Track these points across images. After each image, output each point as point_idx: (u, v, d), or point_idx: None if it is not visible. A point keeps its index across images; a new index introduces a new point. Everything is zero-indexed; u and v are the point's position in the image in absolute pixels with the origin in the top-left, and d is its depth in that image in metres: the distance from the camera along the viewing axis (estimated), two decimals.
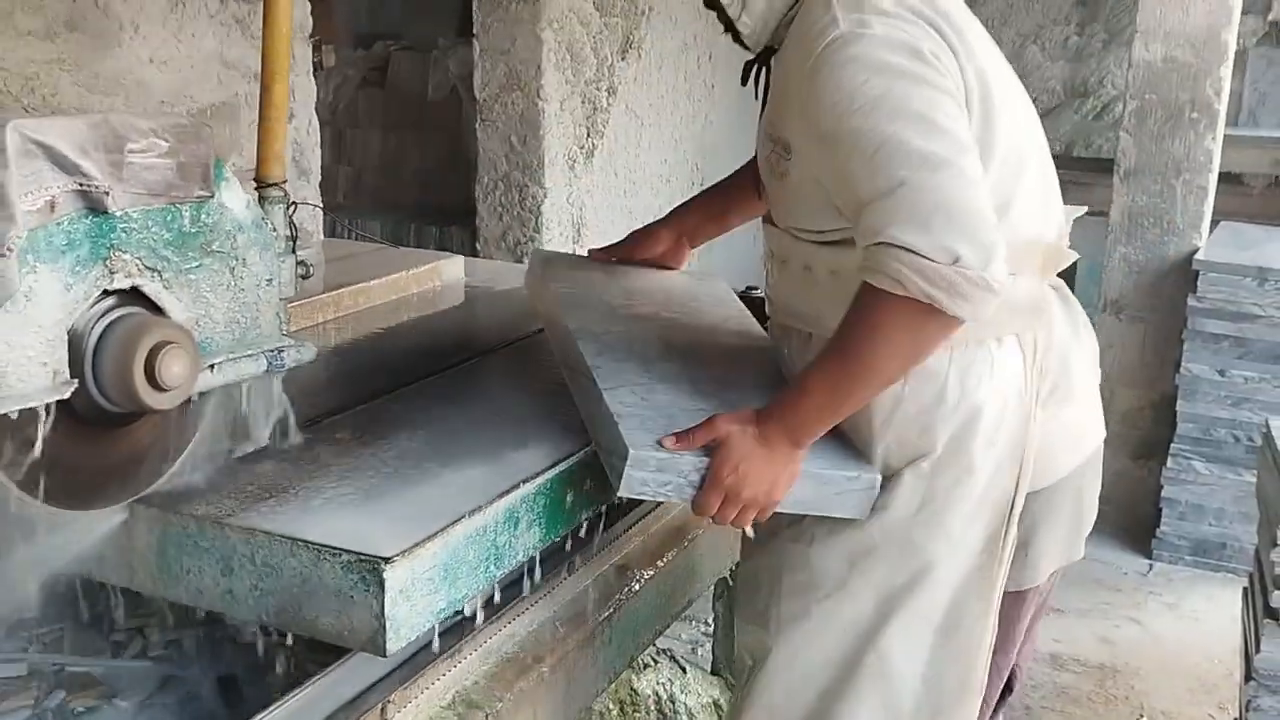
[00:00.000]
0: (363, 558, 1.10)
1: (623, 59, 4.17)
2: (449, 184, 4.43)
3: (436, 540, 1.16)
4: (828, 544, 1.44)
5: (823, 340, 1.34)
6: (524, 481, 1.30)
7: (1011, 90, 1.42)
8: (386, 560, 1.10)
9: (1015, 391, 1.41)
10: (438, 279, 2.17)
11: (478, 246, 3.97)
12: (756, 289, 2.02)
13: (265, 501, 1.22)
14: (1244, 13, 3.85)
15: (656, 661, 1.96)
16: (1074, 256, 1.49)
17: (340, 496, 1.24)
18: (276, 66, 1.30)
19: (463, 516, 1.20)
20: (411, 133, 4.62)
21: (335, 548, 1.12)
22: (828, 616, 1.44)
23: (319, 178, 3.04)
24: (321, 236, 3.09)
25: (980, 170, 1.26)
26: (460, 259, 2.24)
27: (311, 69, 3.00)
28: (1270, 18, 6.50)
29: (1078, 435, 1.51)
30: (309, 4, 2.97)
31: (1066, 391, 1.47)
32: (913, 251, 1.20)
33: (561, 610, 1.53)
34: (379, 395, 1.57)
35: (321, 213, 3.07)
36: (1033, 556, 1.50)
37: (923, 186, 1.21)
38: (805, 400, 1.33)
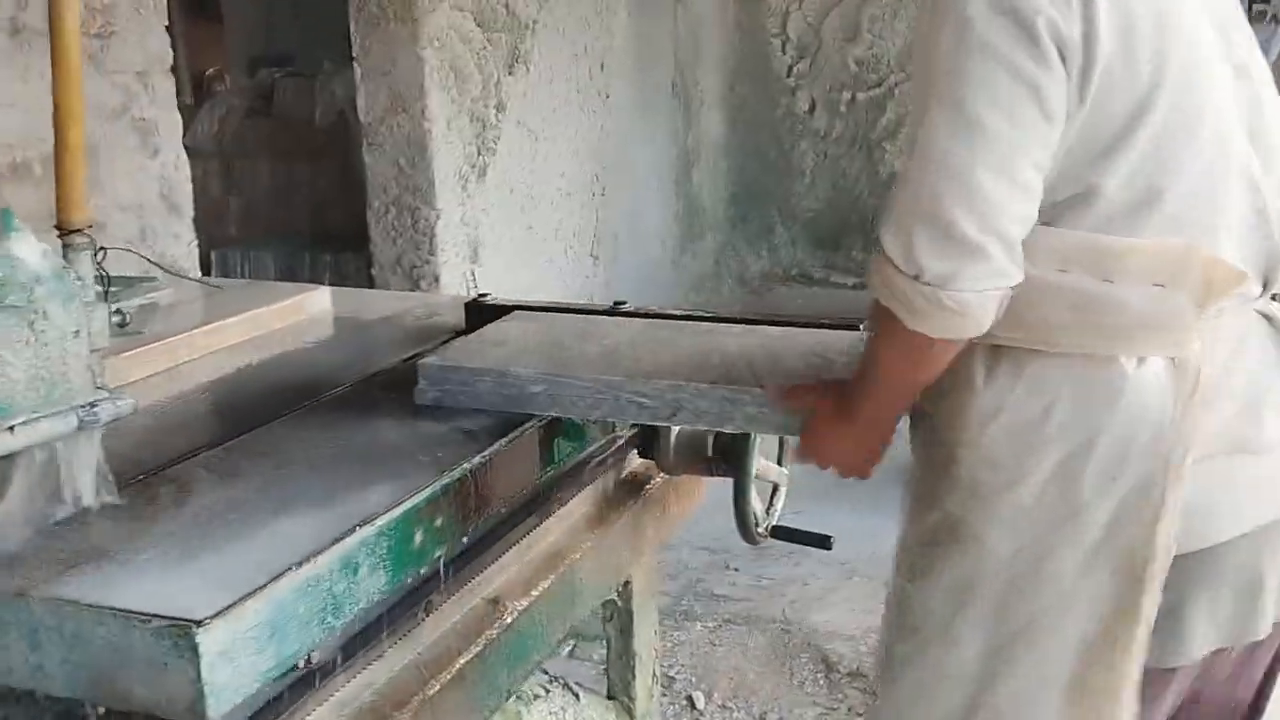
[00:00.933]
0: (174, 622, 1.04)
1: (510, 74, 4.13)
2: (341, 210, 4.36)
3: (258, 597, 1.10)
4: (928, 579, 1.32)
5: None
6: (361, 525, 1.25)
7: (1212, 71, 1.22)
8: (198, 623, 1.03)
9: (1153, 424, 1.20)
10: (302, 313, 2.10)
11: (373, 272, 3.90)
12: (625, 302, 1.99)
13: (77, 568, 1.15)
14: None
15: (548, 690, 1.92)
16: (1242, 279, 1.23)
17: (159, 557, 1.18)
18: (70, 106, 1.23)
19: (288, 569, 1.14)
20: (301, 160, 4.54)
21: (144, 614, 1.05)
22: (935, 664, 1.32)
23: (192, 213, 2.95)
24: (198, 273, 3.00)
25: (1013, 173, 1.13)
26: (327, 291, 2.18)
27: (176, 102, 2.92)
28: None
29: (1261, 493, 1.28)
30: (169, 35, 2.89)
31: (1254, 440, 1.26)
32: (889, 258, 1.17)
33: (425, 652, 1.48)
34: (219, 443, 1.50)
35: (197, 249, 2.99)
36: (1181, 629, 1.27)
37: (920, 191, 1.16)
38: (854, 382, 1.35)
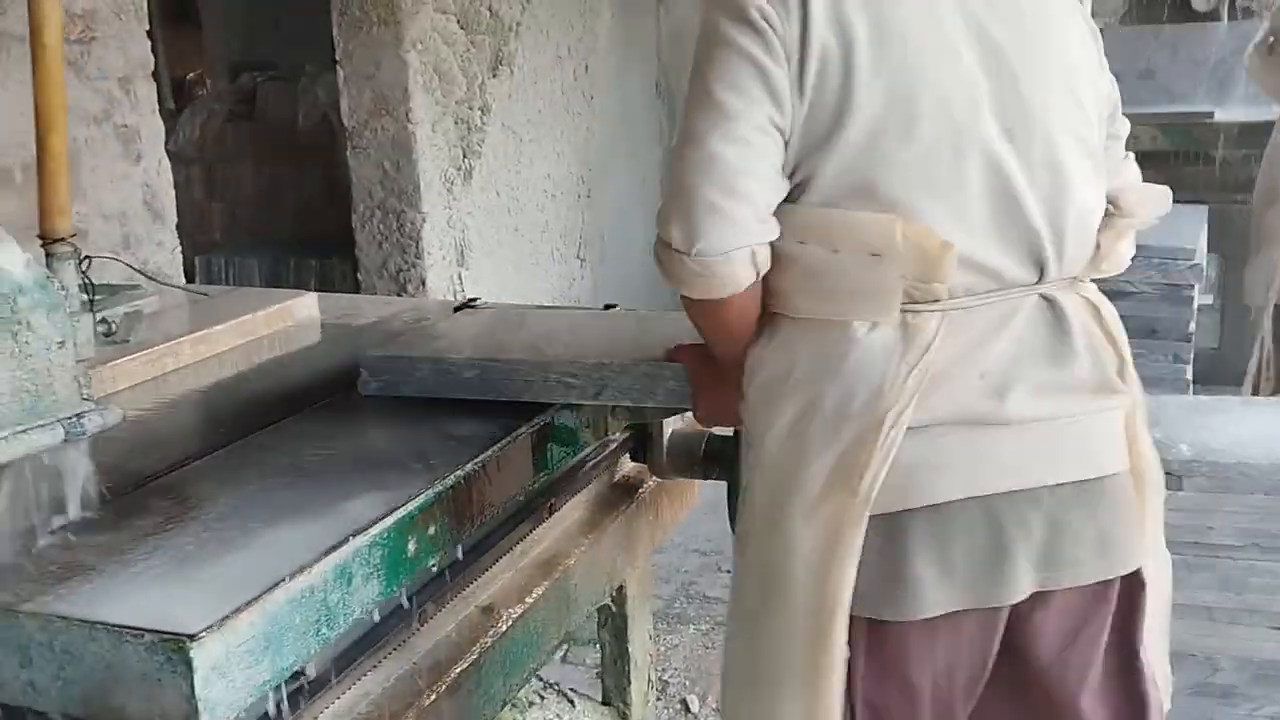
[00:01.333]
0: (166, 637, 1.02)
1: (494, 76, 4.11)
2: (327, 215, 4.33)
3: (253, 608, 1.08)
4: (737, 531, 1.46)
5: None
6: (355, 534, 1.23)
7: (941, 72, 1.29)
8: (192, 637, 1.01)
9: (873, 387, 1.28)
10: (290, 319, 2.07)
11: (359, 277, 3.88)
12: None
13: (67, 582, 1.13)
14: None
15: (543, 698, 1.90)
16: (949, 250, 1.27)
17: (151, 569, 1.16)
18: (51, 116, 1.22)
19: (282, 580, 1.12)
20: (285, 164, 4.51)
21: (136, 628, 1.03)
22: (732, 613, 1.47)
23: (175, 220, 2.93)
24: (182, 280, 2.98)
25: (746, 137, 1.25)
26: (314, 296, 2.15)
27: (157, 107, 2.89)
28: None
29: (1000, 463, 1.31)
30: (149, 40, 2.87)
31: (994, 414, 1.29)
32: (657, 231, 1.31)
33: (421, 660, 1.46)
34: (208, 451, 1.48)
35: (181, 256, 2.97)
36: (911, 583, 1.29)
37: (675, 164, 1.29)
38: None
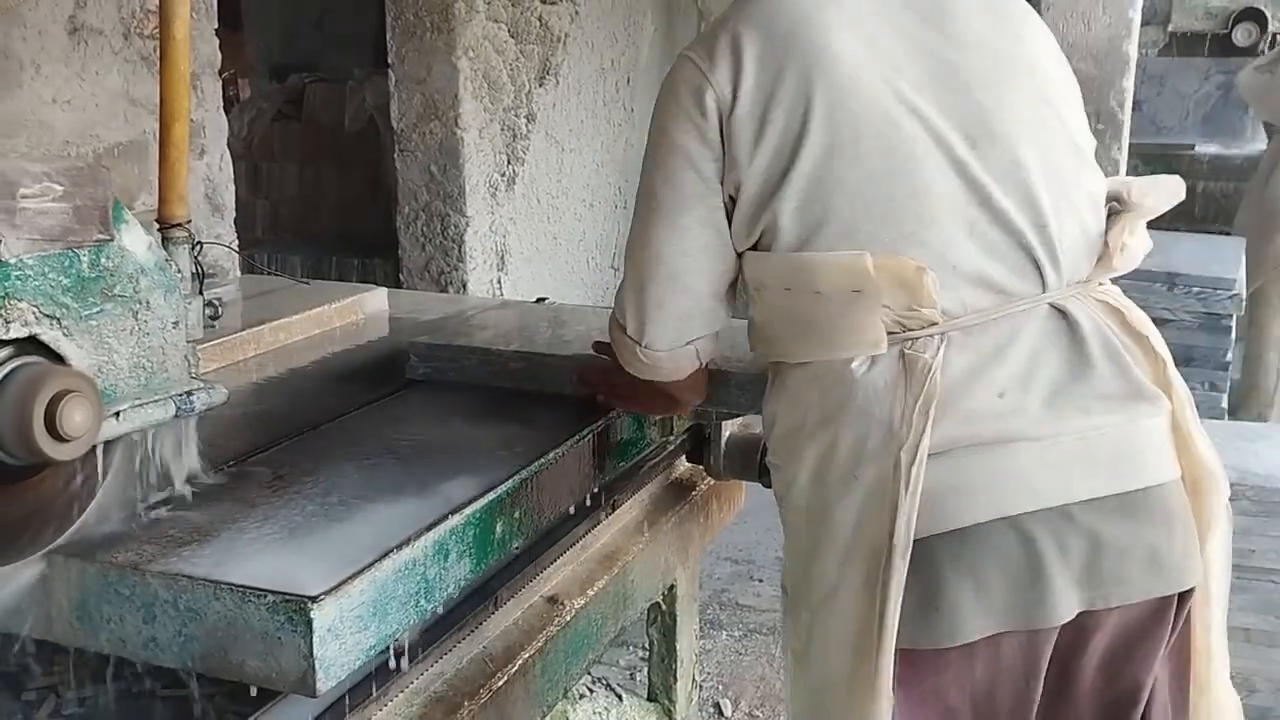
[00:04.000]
0: (288, 598, 1.08)
1: (540, 85, 4.17)
2: (369, 215, 4.39)
3: (364, 576, 1.14)
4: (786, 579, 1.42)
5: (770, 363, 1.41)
6: (452, 513, 1.29)
7: (875, 88, 1.27)
8: (313, 599, 1.07)
9: (883, 424, 1.25)
10: (361, 312, 2.14)
11: (401, 278, 3.94)
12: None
13: (187, 546, 1.19)
14: (1143, 24, 3.97)
15: (592, 691, 1.94)
16: (922, 273, 1.25)
17: (264, 537, 1.22)
18: (176, 106, 1.27)
19: (390, 551, 1.18)
20: (329, 164, 4.58)
21: (260, 589, 1.09)
22: (786, 655, 1.44)
23: (234, 214, 2.99)
24: (238, 273, 3.04)
25: (687, 229, 1.32)
26: (383, 291, 2.22)
27: (223, 104, 2.96)
28: (1170, 28, 6.72)
29: (1029, 480, 1.25)
30: (218, 39, 2.93)
31: (1016, 430, 1.25)
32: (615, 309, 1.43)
33: (491, 645, 1.52)
34: (304, 431, 1.54)
35: (236, 250, 3.03)
36: (948, 610, 1.24)
37: (626, 258, 1.40)
38: None
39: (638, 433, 1.76)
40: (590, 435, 1.61)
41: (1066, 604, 1.26)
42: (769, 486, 1.87)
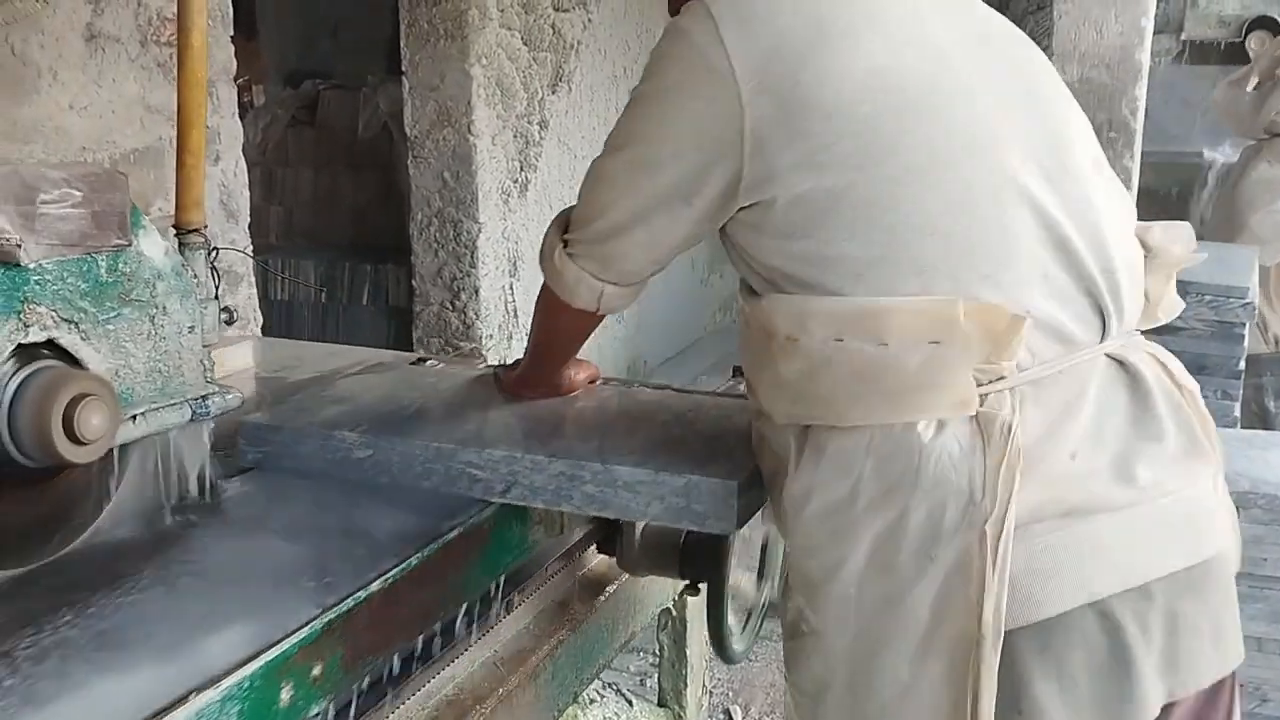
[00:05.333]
0: None
1: (553, 93, 4.19)
2: (382, 221, 4.42)
3: None
4: (793, 674, 1.26)
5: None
6: (195, 692, 0.94)
7: (953, 107, 1.15)
8: None
9: (961, 494, 1.10)
10: (221, 367, 1.58)
11: (414, 283, 3.96)
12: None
13: None
14: (1156, 32, 3.97)
15: (603, 696, 1.94)
16: (1020, 324, 1.11)
17: None
18: (192, 112, 1.29)
19: None
20: (343, 171, 4.60)
21: None
22: None
23: (248, 219, 3.01)
24: (252, 279, 3.06)
25: (685, 219, 1.23)
26: (248, 344, 1.90)
27: (238, 110, 2.98)
28: (1183, 36, 6.71)
29: (1112, 556, 1.13)
30: (232, 45, 2.95)
31: (1095, 499, 1.13)
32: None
33: (502, 649, 1.52)
34: (67, 549, 1.21)
35: (251, 255, 3.05)
36: (1030, 714, 1.12)
37: (607, 177, 1.35)
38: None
39: (517, 532, 1.45)
40: (442, 545, 1.27)
41: (1155, 696, 1.15)
42: (688, 579, 1.64)
